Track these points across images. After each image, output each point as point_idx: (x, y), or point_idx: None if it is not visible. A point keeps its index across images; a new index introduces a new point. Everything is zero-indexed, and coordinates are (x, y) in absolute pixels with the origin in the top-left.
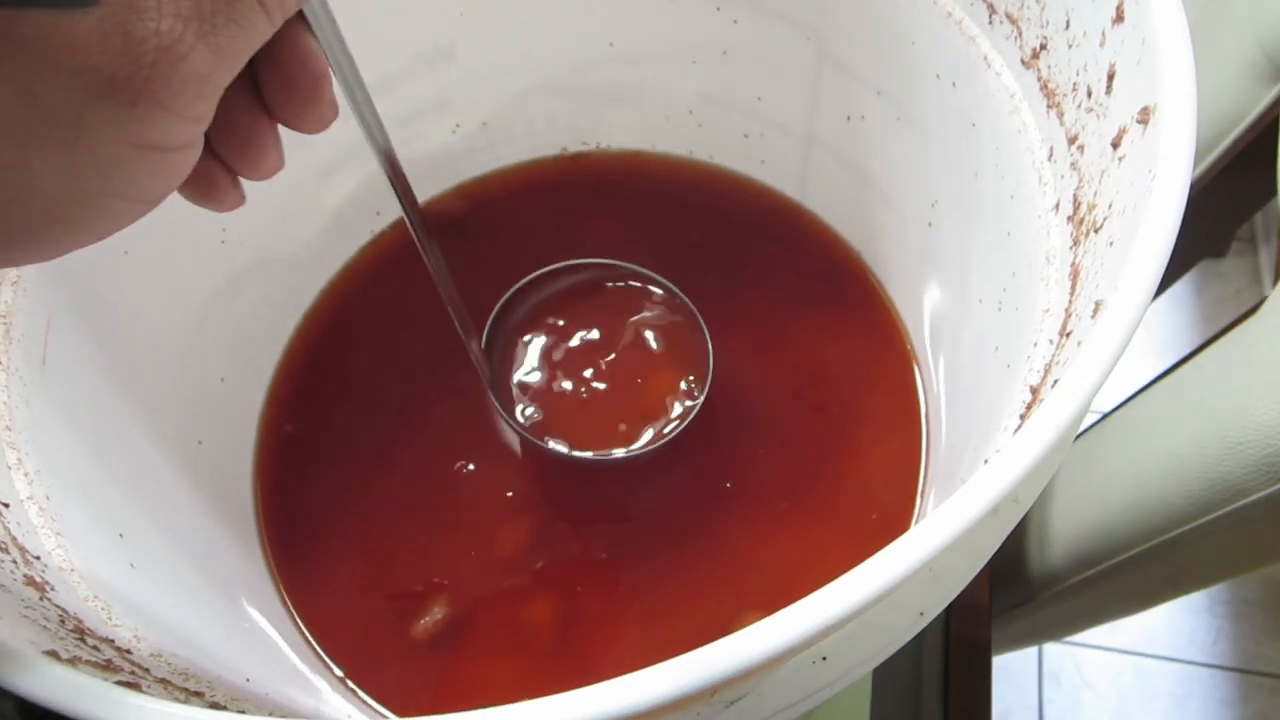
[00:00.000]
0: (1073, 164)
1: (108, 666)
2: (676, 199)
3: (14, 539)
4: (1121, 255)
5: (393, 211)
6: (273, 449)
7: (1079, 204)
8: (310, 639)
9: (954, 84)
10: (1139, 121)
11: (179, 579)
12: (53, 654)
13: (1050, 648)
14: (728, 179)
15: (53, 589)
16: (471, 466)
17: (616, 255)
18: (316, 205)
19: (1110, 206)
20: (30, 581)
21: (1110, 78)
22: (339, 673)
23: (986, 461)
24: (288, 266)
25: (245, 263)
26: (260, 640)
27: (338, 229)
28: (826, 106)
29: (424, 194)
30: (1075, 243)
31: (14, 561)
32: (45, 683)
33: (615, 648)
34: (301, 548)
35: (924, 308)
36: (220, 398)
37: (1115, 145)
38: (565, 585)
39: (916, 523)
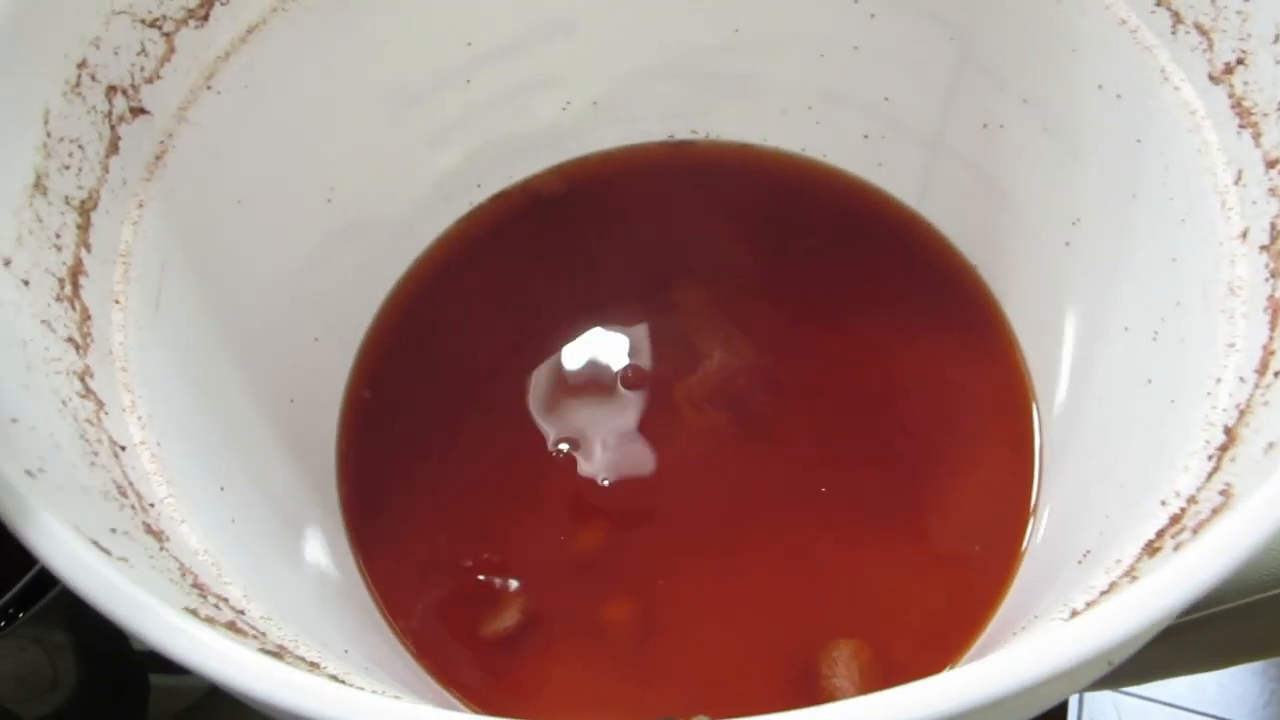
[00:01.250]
0: (1271, 189)
1: (232, 628)
2: (782, 196)
3: (130, 484)
4: None
5: (493, 185)
6: (355, 416)
7: (1278, 233)
8: (387, 618)
9: (1119, 96)
10: None
11: (272, 539)
12: (192, 611)
13: (1092, 693)
14: (839, 180)
15: (168, 539)
16: (554, 455)
17: (718, 246)
18: (421, 172)
19: None
20: (149, 530)
21: None
22: (411, 651)
23: (1165, 504)
24: (386, 232)
25: (347, 223)
26: (344, 611)
27: (437, 199)
28: (962, 112)
29: (523, 172)
30: (1274, 275)
31: (132, 507)
32: (193, 646)
33: (696, 655)
34: (378, 523)
35: (1047, 331)
36: (312, 357)
37: None
38: (645, 585)
39: (1025, 557)
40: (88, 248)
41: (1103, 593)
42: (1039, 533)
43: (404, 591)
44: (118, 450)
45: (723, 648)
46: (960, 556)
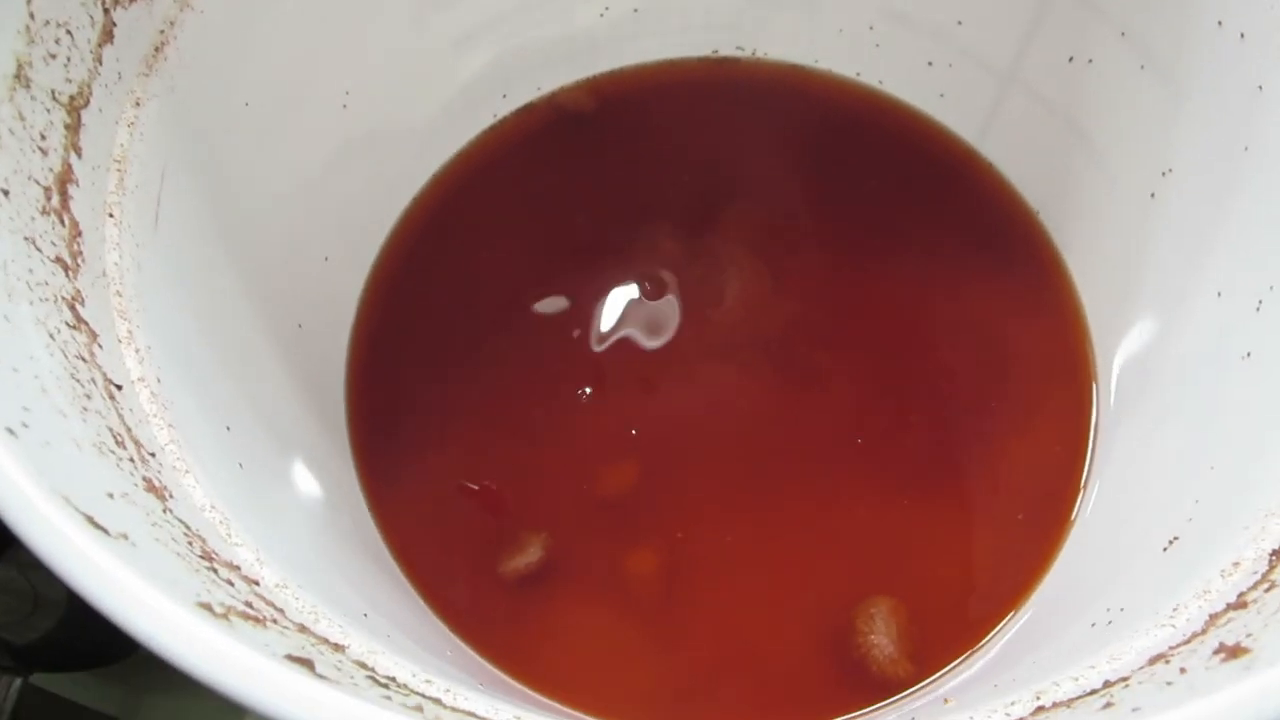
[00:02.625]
0: None
1: (250, 614)
2: (829, 123)
3: (129, 429)
4: None
5: (519, 96)
6: (365, 343)
7: None
8: (399, 561)
9: (1242, 36)
10: None
11: (281, 483)
12: (206, 607)
13: None
14: (892, 109)
15: (171, 496)
16: (582, 393)
17: (758, 174)
18: (445, 77)
19: None
20: (150, 486)
21: None
22: (425, 597)
23: None
24: (404, 142)
25: (363, 133)
26: (356, 559)
27: (459, 109)
28: (1046, 42)
29: (551, 83)
30: None
31: (131, 459)
32: (209, 658)
33: (723, 608)
34: (389, 456)
35: (1116, 286)
36: (322, 279)
37: None
38: (671, 535)
39: (1072, 531)
40: (78, 152)
41: (1233, 605)
42: (1088, 507)
43: (417, 530)
44: (113, 390)
45: (751, 601)
46: (1002, 523)
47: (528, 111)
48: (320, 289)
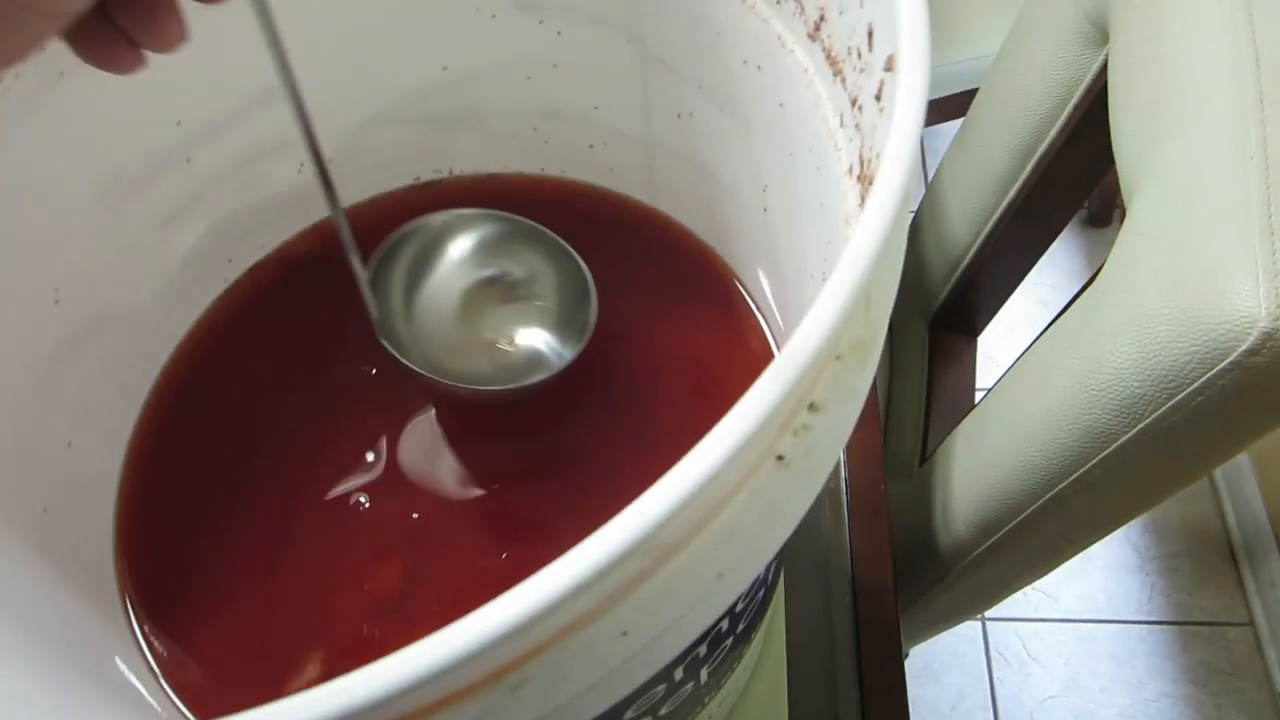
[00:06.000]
0: (856, 125)
1: None
2: (534, 218)
3: None
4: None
5: (245, 259)
6: (135, 513)
7: (865, 162)
8: (182, 709)
9: (759, 67)
10: (887, 70)
11: (37, 675)
12: None
13: (994, 627)
14: (580, 191)
15: None
16: (358, 503)
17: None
18: (158, 258)
19: (879, 157)
20: None
21: (870, 35)
22: None
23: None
24: (133, 323)
25: (85, 322)
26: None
27: (188, 280)
28: (658, 107)
29: (275, 239)
30: (862, 200)
31: None
32: None
33: None
34: (173, 615)
35: (771, 291)
36: (69, 463)
37: (878, 98)
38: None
39: None
40: None
41: None
42: None
43: (203, 677)
44: None
45: None
46: None
47: (258, 270)
48: (68, 473)
